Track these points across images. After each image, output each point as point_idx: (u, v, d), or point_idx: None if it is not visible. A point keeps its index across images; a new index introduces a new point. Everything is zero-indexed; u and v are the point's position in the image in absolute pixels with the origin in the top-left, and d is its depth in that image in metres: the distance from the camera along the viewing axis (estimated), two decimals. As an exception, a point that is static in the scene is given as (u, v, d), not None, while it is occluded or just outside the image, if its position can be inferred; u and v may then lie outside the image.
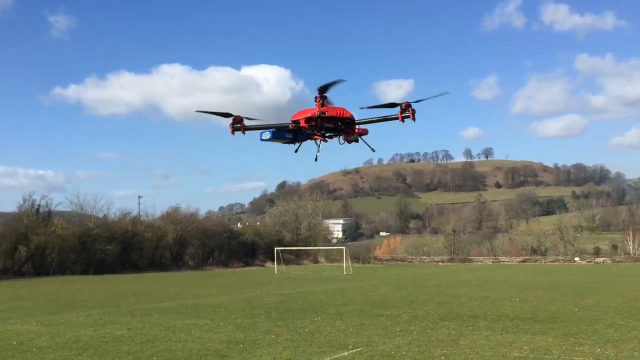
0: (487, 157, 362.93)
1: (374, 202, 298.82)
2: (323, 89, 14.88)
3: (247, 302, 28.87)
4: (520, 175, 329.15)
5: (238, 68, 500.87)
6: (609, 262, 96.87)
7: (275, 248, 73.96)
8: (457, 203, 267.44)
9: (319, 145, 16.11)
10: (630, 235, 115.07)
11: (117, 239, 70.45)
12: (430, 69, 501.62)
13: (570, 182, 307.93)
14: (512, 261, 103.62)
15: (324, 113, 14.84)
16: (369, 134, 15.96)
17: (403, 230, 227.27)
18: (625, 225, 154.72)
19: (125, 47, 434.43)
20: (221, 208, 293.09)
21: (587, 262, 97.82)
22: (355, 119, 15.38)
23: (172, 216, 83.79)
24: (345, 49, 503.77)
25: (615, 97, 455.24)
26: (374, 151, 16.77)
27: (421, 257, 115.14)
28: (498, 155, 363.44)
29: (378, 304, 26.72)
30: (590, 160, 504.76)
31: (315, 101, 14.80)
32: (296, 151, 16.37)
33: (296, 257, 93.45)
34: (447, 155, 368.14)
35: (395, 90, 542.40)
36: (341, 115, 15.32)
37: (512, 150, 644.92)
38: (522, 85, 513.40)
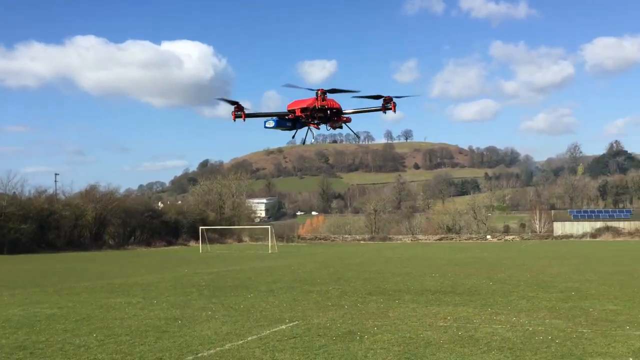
0: (406, 139, 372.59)
1: (297, 182, 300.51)
2: (328, 90, 17.13)
3: (177, 280, 28.91)
4: (438, 157, 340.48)
5: (158, 43, 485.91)
6: (517, 239, 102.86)
7: (200, 227, 73.49)
8: (377, 183, 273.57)
9: (313, 132, 18.29)
10: (537, 214, 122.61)
11: (33, 218, 67.71)
12: (353, 51, 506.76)
13: (484, 164, 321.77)
14: (429, 239, 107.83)
15: (323, 107, 16.79)
16: (351, 122, 18.15)
17: (325, 210, 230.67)
18: (532, 205, 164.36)
19: (35, 16, 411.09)
20: (141, 187, 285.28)
21: (498, 239, 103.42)
22: (342, 110, 17.22)
23: (91, 194, 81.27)
24: (269, 28, 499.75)
25: (525, 83, 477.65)
26: (359, 137, 19.29)
27: (343, 236, 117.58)
28: (417, 138, 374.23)
29: (307, 281, 27.52)
30: (502, 143, 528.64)
31: (317, 96, 16.86)
32: (293, 137, 19.75)
33: (220, 236, 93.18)
34: (369, 137, 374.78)
35: (318, 70, 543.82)
36: (332, 106, 17.09)
37: (430, 133, 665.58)
38: (441, 69, 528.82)
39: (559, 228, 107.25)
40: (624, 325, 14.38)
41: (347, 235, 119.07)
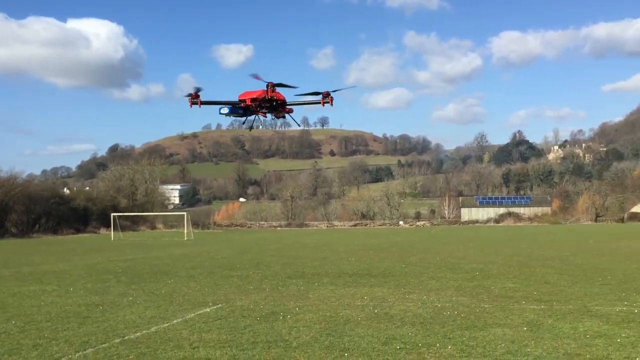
0: (323, 126, 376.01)
1: (212, 168, 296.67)
2: (276, 84, 19.92)
3: (91, 268, 28.34)
4: (353, 144, 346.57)
5: (63, 20, 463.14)
6: (428, 225, 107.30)
7: (112, 214, 71.40)
8: (293, 170, 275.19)
9: (260, 119, 22.35)
10: (446, 200, 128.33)
11: None
12: (270, 36, 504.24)
13: (397, 151, 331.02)
14: (344, 225, 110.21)
15: (272, 97, 19.47)
16: (293, 112, 21.62)
17: (241, 196, 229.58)
18: (442, 192, 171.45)
19: None
20: (44, 172, 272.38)
21: (410, 225, 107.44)
22: (287, 102, 20.32)
23: (-9, 180, 76.76)
24: (183, 10, 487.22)
25: (437, 73, 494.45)
26: (300, 126, 22.76)
27: (260, 222, 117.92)
28: (333, 125, 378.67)
29: (226, 266, 27.83)
30: (414, 132, 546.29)
31: (267, 87, 19.40)
32: (250, 128, 24.57)
33: (132, 224, 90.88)
34: (285, 123, 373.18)
35: (234, 54, 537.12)
36: (278, 98, 19.91)
37: (346, 120, 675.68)
38: (356, 57, 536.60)
39: (466, 214, 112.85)
40: (520, 301, 15.86)
41: (263, 222, 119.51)
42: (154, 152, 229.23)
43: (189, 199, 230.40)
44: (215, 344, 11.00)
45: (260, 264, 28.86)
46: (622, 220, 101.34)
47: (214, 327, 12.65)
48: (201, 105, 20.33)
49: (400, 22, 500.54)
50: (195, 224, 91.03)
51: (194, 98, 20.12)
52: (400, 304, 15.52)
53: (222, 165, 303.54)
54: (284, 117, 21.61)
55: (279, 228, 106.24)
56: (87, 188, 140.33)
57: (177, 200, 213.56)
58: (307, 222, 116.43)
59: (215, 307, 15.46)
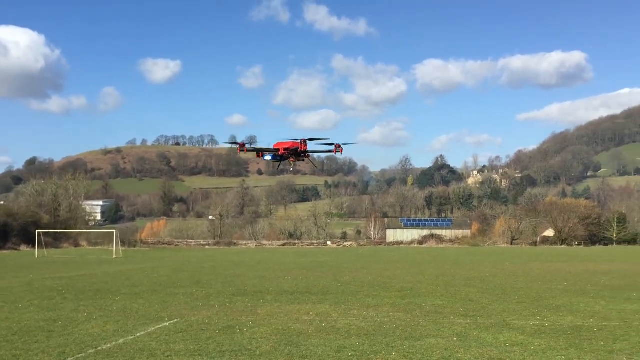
0: (251, 144, 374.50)
1: (137, 184, 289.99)
2: (310, 139, 25.42)
3: (29, 285, 28.25)
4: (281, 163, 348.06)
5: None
6: (355, 245, 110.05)
7: (37, 231, 69.32)
8: (220, 188, 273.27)
9: (291, 164, 27.22)
10: (372, 221, 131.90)
11: None
12: (198, 53, 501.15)
13: (324, 172, 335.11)
14: (273, 244, 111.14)
15: (305, 151, 25.50)
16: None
17: (166, 214, 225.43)
18: (368, 213, 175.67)
19: None
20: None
21: (337, 245, 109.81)
22: (308, 150, 25.89)
23: None
24: (110, 22, 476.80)
25: (363, 97, 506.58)
26: (317, 168, 27.77)
27: (187, 240, 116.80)
28: (261, 143, 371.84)
29: (167, 284, 28.49)
30: (341, 153, 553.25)
31: (301, 142, 24.93)
32: (278, 167, 32.19)
33: (55, 240, 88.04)
34: (213, 140, 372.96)
35: (161, 70, 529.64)
36: (301, 148, 25.32)
37: (274, 140, 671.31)
38: (285, 78, 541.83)
39: (392, 235, 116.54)
40: (449, 316, 17.80)
41: (190, 240, 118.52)
42: (74, 166, 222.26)
43: (112, 215, 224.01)
44: (186, 353, 12.13)
45: (200, 282, 29.68)
46: (535, 243, 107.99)
47: (178, 339, 13.73)
48: (247, 151, 26.59)
49: (329, 46, 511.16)
50: (121, 241, 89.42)
51: (242, 147, 25.66)
52: (343, 318, 17.08)
53: (147, 181, 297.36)
54: (302, 160, 26.56)
55: (207, 246, 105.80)
56: (2, 202, 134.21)
57: (99, 217, 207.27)
58: (235, 241, 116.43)
59: (171, 321, 16.45)
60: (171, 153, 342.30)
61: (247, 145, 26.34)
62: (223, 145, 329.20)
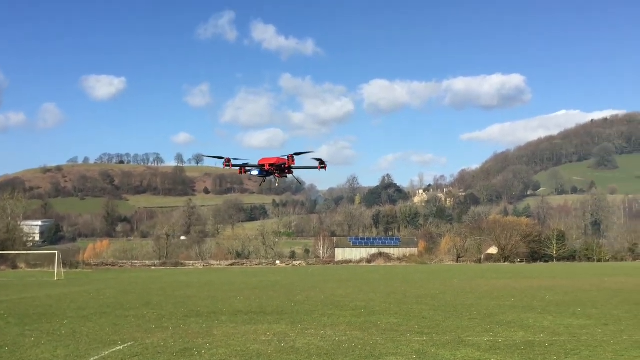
0: (197, 163, 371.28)
1: (78, 204, 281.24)
2: (296, 154, 25.36)
3: (-33, 310, 26.87)
4: (228, 182, 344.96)
5: None
6: (304, 264, 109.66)
7: (-28, 252, 66.00)
8: (166, 207, 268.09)
9: (276, 179, 26.59)
10: (321, 240, 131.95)
11: None
12: (144, 70, 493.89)
13: (272, 190, 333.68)
14: (221, 264, 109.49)
15: (290, 166, 25.21)
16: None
17: (109, 234, 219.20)
18: (316, 232, 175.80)
19: None
20: None
21: (286, 264, 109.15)
22: (292, 167, 25.64)
23: None
24: (50, 36, 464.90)
25: (311, 115, 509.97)
26: (301, 184, 26.16)
27: (132, 261, 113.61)
28: (208, 162, 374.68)
29: (116, 306, 27.67)
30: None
31: (288, 158, 24.78)
32: (260, 185, 31.68)
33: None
34: (158, 159, 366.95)
35: (105, 86, 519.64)
36: (288, 164, 25.04)
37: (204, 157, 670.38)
38: (232, 96, 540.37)
39: (340, 254, 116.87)
40: (405, 334, 18.00)
41: (135, 261, 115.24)
42: (12, 185, 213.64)
43: (51, 236, 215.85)
44: (145, 378, 11.79)
45: (151, 304, 28.97)
46: (479, 260, 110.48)
47: (134, 363, 13.34)
48: (232, 167, 25.90)
49: (277, 65, 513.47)
50: (62, 262, 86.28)
51: (227, 162, 25.36)
52: (301, 338, 17.01)
53: (89, 200, 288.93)
54: (286, 176, 26.19)
55: (153, 267, 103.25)
56: None
57: (37, 237, 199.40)
58: (182, 261, 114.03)
59: (125, 345, 15.97)
60: (115, 171, 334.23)
61: (232, 161, 25.48)
62: (204, 157, 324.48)
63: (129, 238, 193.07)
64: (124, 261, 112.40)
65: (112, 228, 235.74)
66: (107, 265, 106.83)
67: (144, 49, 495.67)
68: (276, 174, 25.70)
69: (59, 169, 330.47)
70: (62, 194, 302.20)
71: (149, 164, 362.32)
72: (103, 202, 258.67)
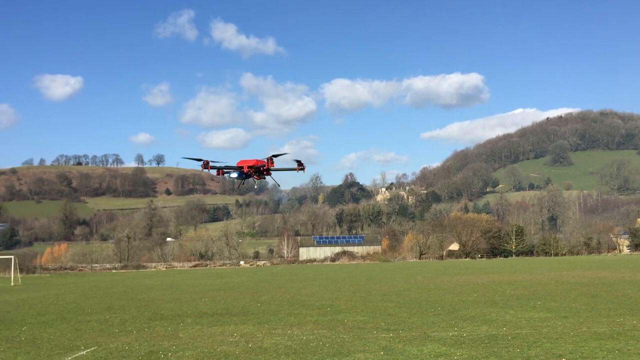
0: (158, 163, 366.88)
1: (34, 207, 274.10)
2: (274, 156, 25.56)
3: None
4: (190, 183, 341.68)
5: None
6: (268, 264, 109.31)
7: None
8: (126, 209, 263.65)
9: (255, 181, 26.34)
10: (285, 240, 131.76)
11: None
12: (101, 69, 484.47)
13: (234, 191, 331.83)
14: (184, 266, 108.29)
15: (269, 168, 25.07)
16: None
17: (68, 237, 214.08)
18: (280, 231, 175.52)
19: None
20: None
21: (251, 265, 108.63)
22: (270, 168, 25.55)
23: None
24: (3, 37, 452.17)
25: (273, 115, 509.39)
26: (280, 186, 28.42)
27: (92, 265, 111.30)
28: (169, 163, 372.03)
29: (77, 312, 27.08)
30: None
31: (267, 160, 24.94)
32: (238, 187, 35.60)
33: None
34: (118, 160, 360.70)
35: (61, 86, 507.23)
36: (267, 166, 25.09)
37: (182, 159, 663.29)
38: (193, 96, 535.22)
39: (304, 253, 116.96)
40: (372, 331, 18.13)
41: (96, 265, 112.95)
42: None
43: (6, 240, 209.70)
44: (110, 383, 11.57)
45: (113, 308, 28.45)
46: (441, 257, 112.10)
47: (99, 368, 13.08)
48: (211, 170, 25.50)
49: (238, 64, 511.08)
50: (18, 268, 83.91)
51: (205, 165, 24.99)
52: (269, 338, 16.96)
53: (46, 203, 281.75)
54: (264, 178, 26.13)
55: (114, 270, 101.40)
56: None
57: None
58: (144, 264, 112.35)
59: (88, 350, 15.66)
60: (72, 173, 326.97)
61: (210, 163, 25.27)
62: (182, 159, 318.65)
63: (88, 241, 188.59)
64: (84, 265, 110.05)
65: (71, 231, 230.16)
66: (65, 269, 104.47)
67: (101, 47, 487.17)
68: (255, 176, 25.61)
69: (13, 171, 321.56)
70: (17, 197, 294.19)
71: (108, 165, 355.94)
72: (60, 204, 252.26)
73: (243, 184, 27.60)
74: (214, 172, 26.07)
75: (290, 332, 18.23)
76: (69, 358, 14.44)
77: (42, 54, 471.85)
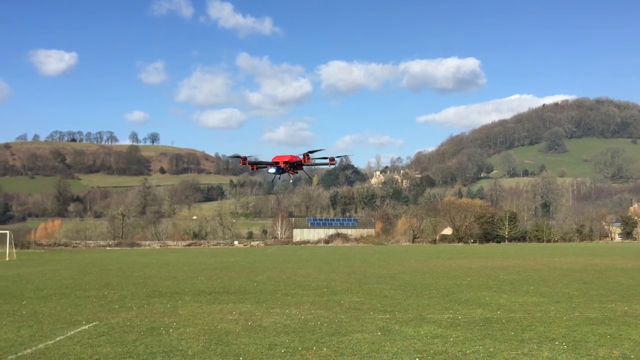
0: (153, 142, 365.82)
1: (28, 182, 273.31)
2: (310, 152, 26.48)
3: None
4: (184, 162, 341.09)
5: None
6: (262, 244, 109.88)
7: None
8: (120, 187, 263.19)
9: (290, 176, 27.33)
10: (279, 221, 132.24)
11: None
12: (96, 45, 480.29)
13: (229, 171, 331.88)
14: (178, 245, 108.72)
15: (304, 164, 25.94)
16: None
17: (61, 214, 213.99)
18: (274, 212, 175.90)
19: None
20: None
21: (244, 245, 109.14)
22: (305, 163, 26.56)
23: None
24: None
25: (269, 96, 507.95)
26: (311, 179, 26.45)
27: (85, 241, 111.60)
28: (164, 141, 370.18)
29: (75, 287, 27.30)
30: (246, 152, 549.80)
31: (304, 156, 25.74)
32: (279, 178, 28.55)
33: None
34: (112, 137, 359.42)
35: (55, 62, 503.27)
36: (303, 162, 26.11)
37: (177, 137, 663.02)
38: (188, 74, 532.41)
39: (298, 234, 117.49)
40: (369, 312, 18.43)
41: (89, 241, 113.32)
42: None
43: (0, 215, 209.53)
44: (115, 356, 11.82)
45: (111, 284, 28.69)
46: (434, 241, 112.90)
47: (102, 342, 13.32)
48: (249, 165, 27.18)
49: (234, 44, 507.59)
50: (13, 243, 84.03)
51: (244, 161, 26.23)
52: (268, 317, 17.24)
53: (39, 179, 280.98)
54: (296, 173, 27.04)
55: (108, 247, 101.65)
56: None
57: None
58: (138, 242, 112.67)
59: (90, 325, 15.88)
60: (66, 150, 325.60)
61: (248, 159, 26.71)
62: (186, 148, 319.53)
63: (81, 218, 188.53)
64: (77, 241, 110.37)
65: (64, 208, 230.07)
66: (59, 245, 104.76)
67: (96, 23, 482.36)
68: (290, 171, 26.58)
69: (7, 146, 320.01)
70: (10, 172, 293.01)
71: (103, 143, 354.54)
72: (54, 181, 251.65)
73: (279, 178, 28.54)
74: (248, 167, 27.51)
75: (288, 311, 18.51)
76: (72, 332, 14.66)
77: (36, 29, 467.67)
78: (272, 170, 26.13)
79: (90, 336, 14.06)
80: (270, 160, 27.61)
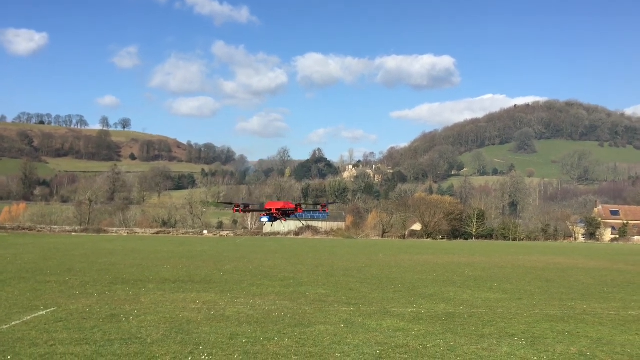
0: (124, 127, 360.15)
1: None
2: (304, 204, 28.16)
3: None
4: (156, 149, 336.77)
5: None
6: (231, 235, 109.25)
7: None
8: (89, 172, 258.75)
9: (280, 221, 27.33)
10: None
11: None
12: (67, 25, 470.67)
13: (201, 160, 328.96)
14: (146, 232, 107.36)
15: (291, 209, 26.19)
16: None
17: (27, 197, 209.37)
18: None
19: None
20: None
21: (214, 235, 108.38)
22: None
23: None
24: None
25: (244, 85, 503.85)
26: (303, 225, 28.60)
27: (51, 226, 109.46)
28: (135, 127, 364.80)
29: (36, 272, 26.75)
30: (219, 141, 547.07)
31: (296, 206, 26.22)
32: (272, 225, 29.20)
33: None
34: (82, 121, 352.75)
35: (25, 41, 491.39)
36: (295, 212, 26.35)
37: (149, 124, 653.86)
38: (162, 60, 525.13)
39: (268, 225, 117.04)
40: (333, 304, 18.44)
41: (55, 226, 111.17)
42: None
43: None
44: (71, 342, 11.57)
45: (73, 270, 28.18)
46: (404, 236, 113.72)
47: (59, 327, 13.04)
48: (242, 212, 27.74)
49: (210, 31, 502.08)
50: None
51: (237, 207, 26.91)
52: (231, 307, 17.11)
53: (5, 161, 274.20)
54: (288, 216, 27.09)
55: (74, 233, 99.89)
56: None
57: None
58: (105, 228, 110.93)
59: (48, 310, 15.56)
60: (34, 132, 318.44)
61: (241, 206, 27.51)
62: (157, 135, 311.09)
63: (47, 202, 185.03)
64: (42, 226, 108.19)
65: (30, 191, 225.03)
66: (24, 229, 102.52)
67: (68, 3, 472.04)
68: (282, 219, 27.00)
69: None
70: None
71: (72, 126, 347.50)
72: (20, 163, 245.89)
73: (272, 225, 29.41)
74: (236, 208, 27.78)
75: (252, 301, 18.41)
76: (28, 317, 14.33)
77: (6, 7, 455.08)
78: (264, 219, 26.76)
79: (48, 322, 13.76)
80: (263, 204, 28.65)
